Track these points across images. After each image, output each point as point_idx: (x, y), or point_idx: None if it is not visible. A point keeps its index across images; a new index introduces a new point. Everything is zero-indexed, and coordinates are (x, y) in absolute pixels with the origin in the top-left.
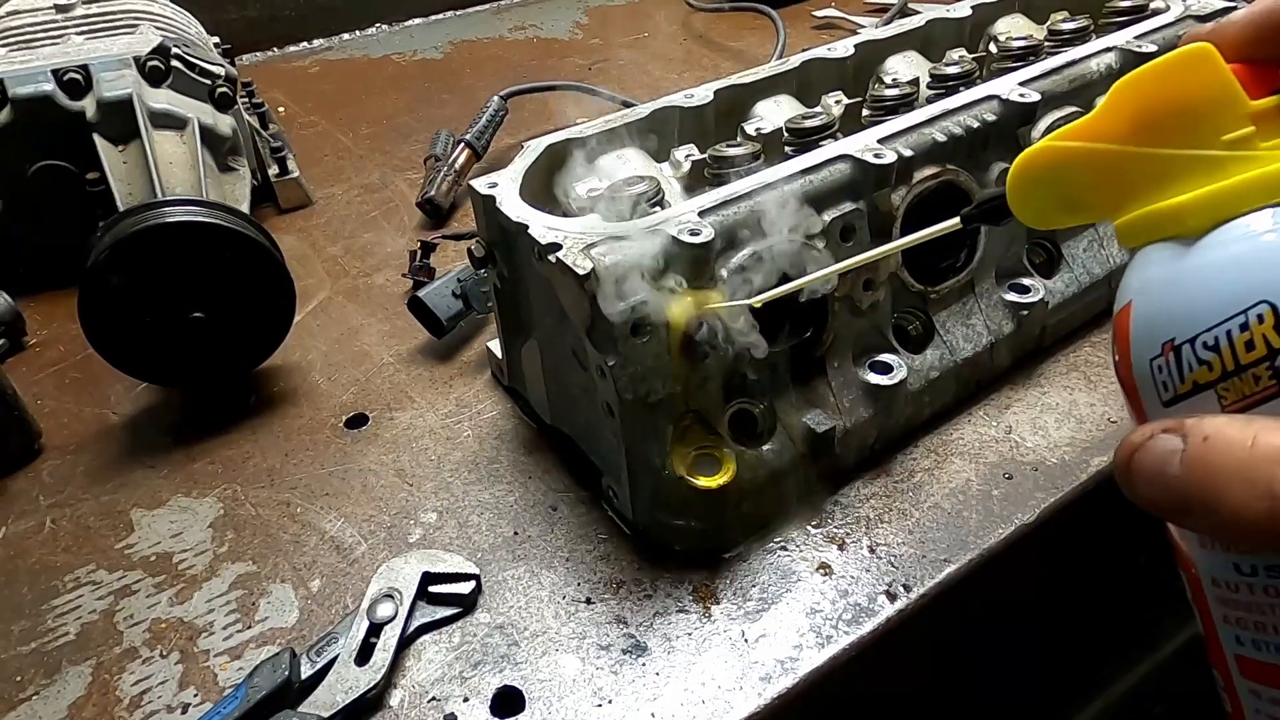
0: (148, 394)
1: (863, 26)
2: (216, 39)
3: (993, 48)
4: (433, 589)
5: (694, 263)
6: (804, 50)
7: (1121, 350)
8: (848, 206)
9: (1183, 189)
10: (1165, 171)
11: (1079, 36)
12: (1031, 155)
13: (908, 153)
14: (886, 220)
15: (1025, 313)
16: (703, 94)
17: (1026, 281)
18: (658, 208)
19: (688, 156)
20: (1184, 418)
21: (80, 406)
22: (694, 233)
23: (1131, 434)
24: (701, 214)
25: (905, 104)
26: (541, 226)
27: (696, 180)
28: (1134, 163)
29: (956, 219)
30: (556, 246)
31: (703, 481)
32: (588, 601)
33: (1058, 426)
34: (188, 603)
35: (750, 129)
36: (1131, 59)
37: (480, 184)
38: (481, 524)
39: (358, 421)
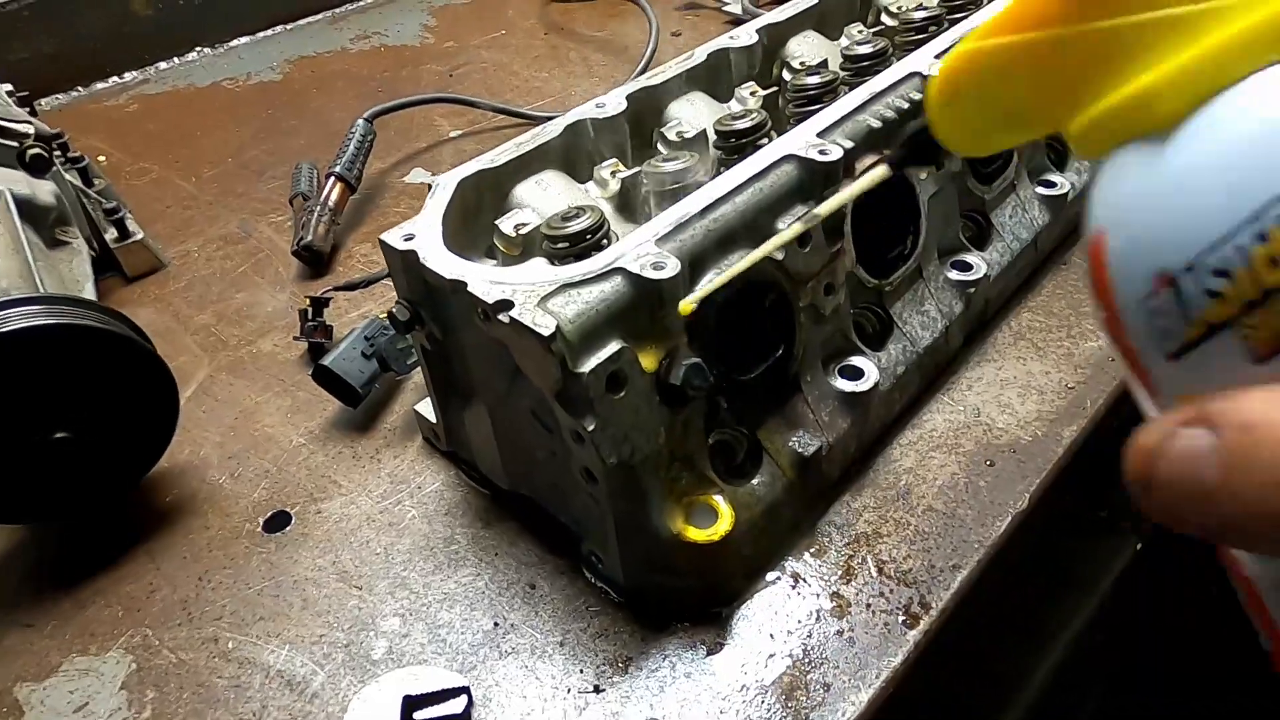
0: None
1: (727, 3)
2: (9, 86)
3: (885, 19)
4: (419, 715)
5: (660, 300)
6: (673, 35)
7: (1102, 297)
8: (800, 210)
9: (1146, 67)
10: (1120, 50)
11: (974, 1)
12: (951, 66)
13: (849, 144)
14: (837, 219)
15: (971, 289)
16: (615, 101)
17: (968, 258)
18: (605, 240)
19: (614, 174)
20: (1205, 395)
21: None
22: (657, 266)
23: (1140, 433)
24: (658, 242)
25: (829, 91)
26: (483, 281)
27: (628, 201)
28: (1078, 46)
29: (884, 166)
30: (507, 304)
31: (702, 536)
32: (597, 690)
33: (1021, 401)
34: None
35: (671, 134)
36: None
37: (393, 237)
38: (454, 620)
39: (279, 522)
